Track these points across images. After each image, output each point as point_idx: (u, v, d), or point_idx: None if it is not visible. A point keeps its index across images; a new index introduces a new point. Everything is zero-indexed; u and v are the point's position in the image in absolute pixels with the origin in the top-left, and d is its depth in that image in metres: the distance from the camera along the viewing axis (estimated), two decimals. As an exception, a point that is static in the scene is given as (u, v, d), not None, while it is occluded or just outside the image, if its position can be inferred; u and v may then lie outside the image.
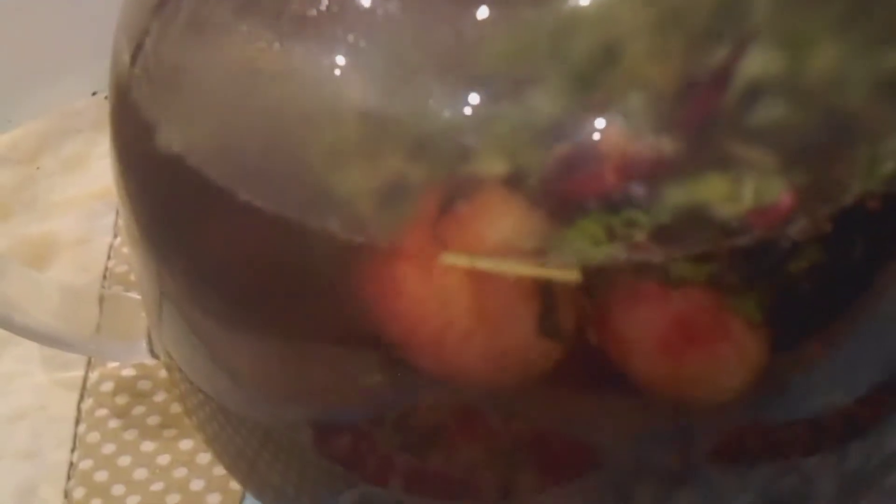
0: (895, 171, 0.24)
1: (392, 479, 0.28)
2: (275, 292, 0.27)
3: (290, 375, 0.28)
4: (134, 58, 0.28)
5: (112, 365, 0.39)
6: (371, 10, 0.25)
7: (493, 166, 0.24)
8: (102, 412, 0.38)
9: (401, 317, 0.25)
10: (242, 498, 0.35)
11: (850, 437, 0.27)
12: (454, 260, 0.24)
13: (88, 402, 0.38)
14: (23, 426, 0.38)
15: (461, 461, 0.27)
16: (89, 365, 0.39)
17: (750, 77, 0.24)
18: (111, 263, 0.43)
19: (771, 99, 0.24)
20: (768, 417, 0.26)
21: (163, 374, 0.38)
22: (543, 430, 0.26)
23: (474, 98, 0.24)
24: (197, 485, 0.36)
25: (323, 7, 0.25)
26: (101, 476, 0.36)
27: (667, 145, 0.23)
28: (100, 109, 0.47)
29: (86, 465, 0.36)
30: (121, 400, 0.38)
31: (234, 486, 0.36)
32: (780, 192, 0.24)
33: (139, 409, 0.38)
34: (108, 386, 0.39)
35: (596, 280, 0.24)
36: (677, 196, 0.23)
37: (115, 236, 0.44)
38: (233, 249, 0.27)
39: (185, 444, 0.37)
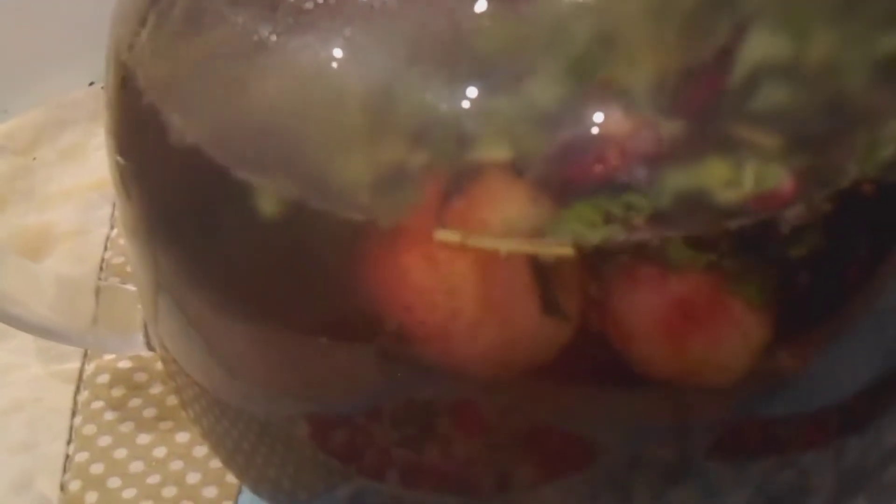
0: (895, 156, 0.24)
1: (389, 472, 0.28)
2: (274, 282, 0.26)
3: (287, 368, 0.28)
4: (131, 47, 0.28)
5: (108, 357, 0.39)
6: (369, 2, 0.25)
7: (495, 152, 0.24)
8: (98, 404, 0.38)
9: (405, 306, 0.24)
10: (239, 491, 0.35)
11: (848, 432, 0.27)
12: (452, 237, 0.24)
13: (84, 395, 0.38)
14: (19, 418, 0.38)
15: (460, 454, 0.27)
16: (85, 357, 0.39)
17: (751, 61, 0.24)
18: (108, 255, 0.43)
19: (771, 83, 0.24)
20: (766, 411, 0.26)
21: (159, 366, 0.38)
22: (544, 421, 0.26)
23: (474, 85, 0.24)
24: (193, 478, 0.36)
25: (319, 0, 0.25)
26: (98, 468, 0.36)
27: (667, 129, 0.24)
28: (97, 100, 0.46)
29: (82, 457, 0.36)
30: (117, 392, 0.38)
31: (231, 479, 0.36)
32: (781, 177, 0.24)
33: (135, 402, 0.38)
34: (104, 378, 0.38)
35: (595, 261, 0.24)
36: (677, 180, 0.23)
37: (112, 227, 0.43)
38: (232, 238, 0.27)
39: (182, 437, 0.37)
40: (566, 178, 0.24)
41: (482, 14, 0.24)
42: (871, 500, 0.29)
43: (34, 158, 0.46)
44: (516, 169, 0.24)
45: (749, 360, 0.25)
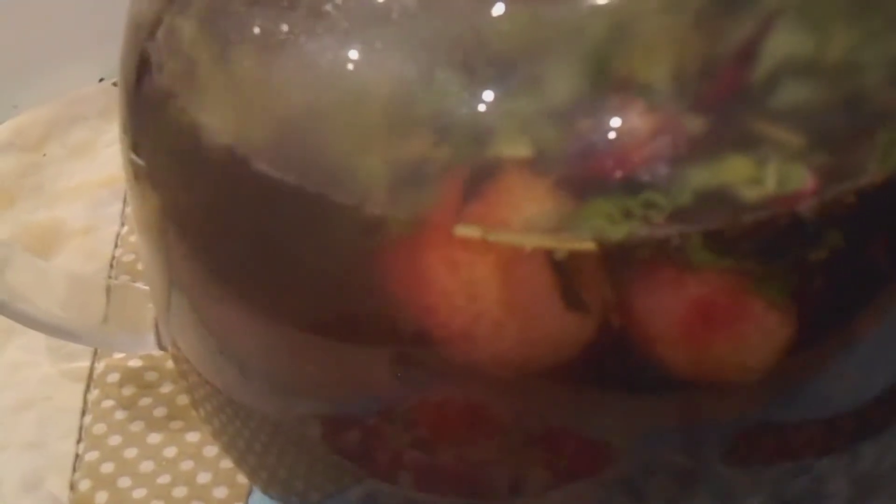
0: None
1: (402, 475, 0.28)
2: (291, 281, 0.26)
3: (301, 367, 0.28)
4: (151, 43, 0.28)
5: (118, 356, 0.39)
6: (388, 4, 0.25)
7: (515, 149, 0.24)
8: (109, 403, 0.38)
9: (425, 307, 0.24)
10: (249, 492, 0.35)
11: (863, 438, 0.27)
12: (473, 233, 0.24)
13: (94, 393, 0.38)
14: (28, 416, 0.38)
15: (474, 457, 0.27)
16: (96, 355, 0.39)
17: (773, 57, 0.24)
18: (118, 252, 0.42)
19: (793, 79, 0.24)
20: (783, 415, 0.26)
21: (170, 365, 0.38)
22: (560, 424, 0.26)
23: (494, 82, 0.24)
24: (204, 478, 0.36)
25: (339, 1, 0.25)
26: (108, 468, 0.36)
27: (688, 126, 0.23)
28: (107, 96, 0.47)
29: (92, 456, 0.36)
30: (127, 391, 0.38)
31: (242, 479, 0.35)
32: (802, 176, 0.23)
33: (146, 401, 0.38)
34: (114, 377, 0.38)
35: (616, 258, 0.24)
36: (698, 178, 0.23)
37: (123, 225, 0.43)
38: (250, 236, 0.27)
39: (192, 437, 0.37)
40: (586, 176, 0.23)
41: (501, 13, 0.24)
42: (886, 506, 0.29)
43: (44, 155, 0.46)
44: (536, 166, 0.24)
45: (769, 361, 0.25)
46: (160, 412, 0.37)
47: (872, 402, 0.27)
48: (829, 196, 0.23)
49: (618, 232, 0.23)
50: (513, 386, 0.25)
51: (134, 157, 0.29)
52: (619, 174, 0.23)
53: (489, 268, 0.24)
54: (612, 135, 0.23)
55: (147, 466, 0.36)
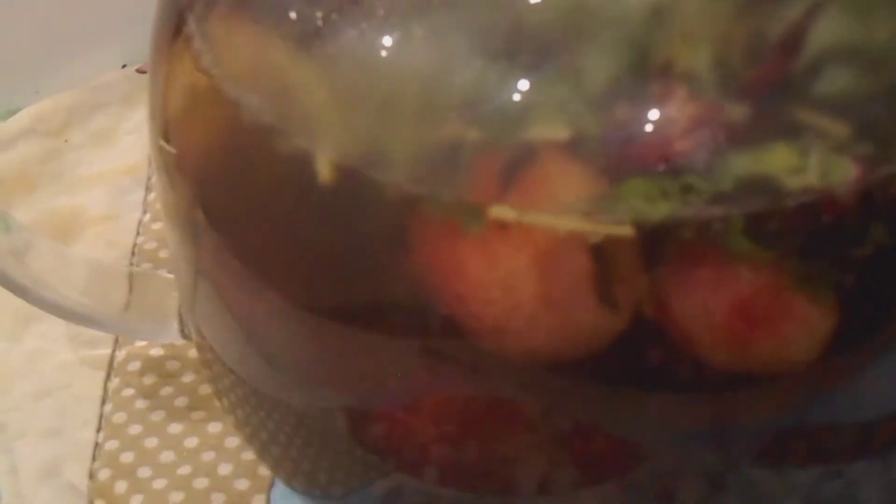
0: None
1: (428, 470, 0.28)
2: (320, 268, 0.26)
3: (328, 358, 0.28)
4: (183, 26, 0.27)
5: (140, 344, 0.39)
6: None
7: (553, 132, 0.23)
8: (129, 392, 0.37)
9: (458, 296, 0.24)
10: (271, 484, 0.35)
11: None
12: (508, 214, 0.23)
13: (115, 382, 0.38)
14: (47, 404, 0.38)
15: (502, 453, 0.27)
16: (116, 343, 0.39)
17: (818, 43, 0.23)
18: (140, 240, 0.42)
19: (839, 66, 0.24)
20: (818, 417, 0.26)
21: (192, 354, 0.38)
22: (591, 420, 0.26)
23: (532, 64, 0.24)
24: (225, 469, 0.35)
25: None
26: (128, 457, 0.36)
27: (730, 112, 0.23)
28: (130, 83, 0.47)
29: (111, 445, 0.36)
30: (148, 380, 0.38)
31: (264, 471, 0.35)
32: (847, 166, 0.23)
33: (167, 390, 0.37)
34: (135, 365, 0.38)
35: (653, 242, 0.23)
36: (740, 164, 0.23)
37: (145, 212, 0.43)
38: (280, 222, 0.26)
39: (214, 427, 0.36)
40: (624, 160, 0.23)
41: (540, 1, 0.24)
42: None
43: (65, 140, 0.46)
44: (574, 150, 0.23)
45: (808, 358, 0.24)
46: (181, 402, 0.37)
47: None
48: (873, 188, 0.23)
49: (656, 211, 0.23)
50: (543, 380, 0.25)
51: (163, 143, 0.29)
52: (658, 159, 0.23)
53: (524, 253, 0.24)
54: (651, 120, 0.23)
55: (167, 457, 0.36)
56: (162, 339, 0.37)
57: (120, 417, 0.37)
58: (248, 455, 0.35)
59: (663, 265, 0.23)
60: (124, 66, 0.48)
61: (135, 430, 0.36)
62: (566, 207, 0.23)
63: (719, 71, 0.23)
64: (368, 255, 0.25)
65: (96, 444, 0.36)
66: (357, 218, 0.25)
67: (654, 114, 0.23)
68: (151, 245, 0.42)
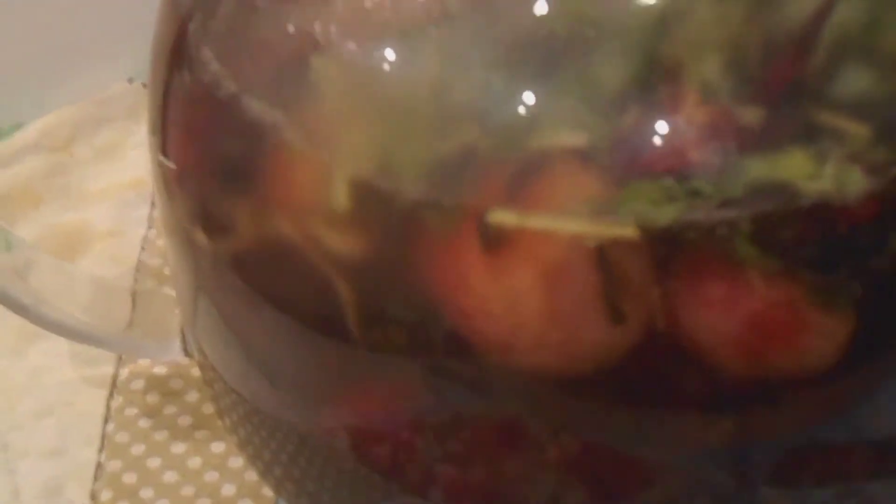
0: None
1: (433, 490, 0.28)
2: (321, 286, 0.26)
3: (330, 376, 0.27)
4: (182, 38, 0.27)
5: (143, 362, 0.38)
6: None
7: (557, 140, 0.23)
8: (132, 411, 0.37)
9: (463, 312, 0.24)
10: (275, 504, 0.35)
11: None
12: (508, 218, 0.23)
13: (118, 400, 0.38)
14: (49, 423, 0.37)
15: (509, 473, 0.27)
16: (119, 362, 0.39)
17: (835, 40, 0.23)
18: (144, 256, 0.42)
19: (855, 67, 0.23)
20: (835, 434, 0.26)
21: (195, 372, 0.37)
22: (599, 439, 0.26)
23: (539, 71, 0.24)
24: (228, 490, 0.35)
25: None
26: (130, 478, 0.36)
27: (742, 116, 0.23)
28: (136, 97, 0.47)
29: (114, 466, 0.36)
30: (151, 399, 0.38)
31: (267, 492, 0.35)
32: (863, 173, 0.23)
33: (170, 409, 0.37)
34: (138, 384, 0.38)
35: (660, 248, 0.23)
36: (751, 170, 0.23)
37: (149, 228, 0.43)
38: (281, 238, 0.26)
39: (217, 447, 0.36)
40: (632, 167, 0.23)
41: (546, 12, 0.24)
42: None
43: (70, 155, 0.46)
44: (581, 158, 0.23)
45: (823, 373, 0.24)
46: (185, 421, 0.37)
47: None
48: (892, 194, 0.23)
49: (661, 215, 0.23)
50: (551, 398, 0.25)
51: (163, 158, 0.29)
52: (666, 165, 0.23)
53: (530, 266, 0.23)
54: (660, 126, 0.23)
55: (170, 477, 0.35)
56: (165, 357, 0.37)
57: (123, 437, 0.37)
58: (252, 475, 0.35)
59: (672, 274, 0.23)
60: (130, 81, 0.48)
61: (137, 449, 0.36)
62: (572, 212, 0.23)
63: (730, 75, 0.23)
64: (372, 269, 0.25)
65: (98, 464, 0.36)
66: (362, 232, 0.25)
67: (662, 120, 0.23)
68: (156, 261, 0.42)
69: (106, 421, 0.37)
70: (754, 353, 0.24)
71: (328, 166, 0.24)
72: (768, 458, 0.26)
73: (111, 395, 0.38)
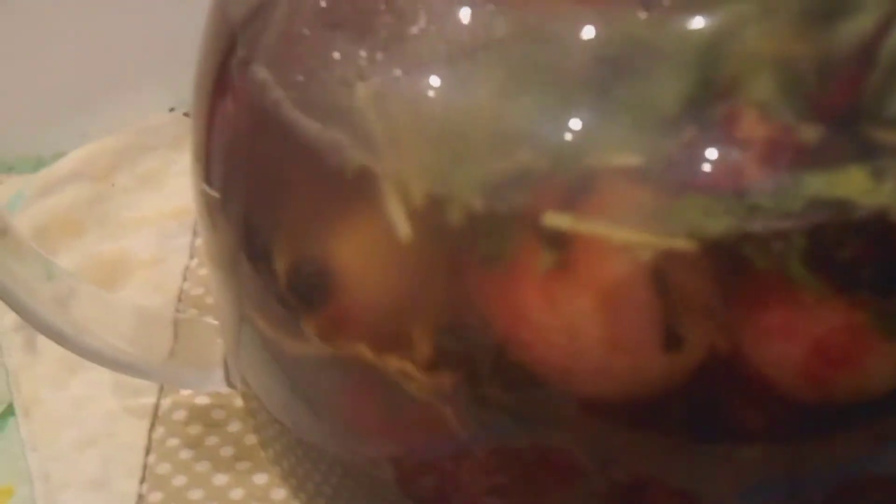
0: None
1: None
2: (371, 314, 0.26)
3: (375, 407, 0.27)
4: (225, 67, 0.27)
5: (185, 392, 0.38)
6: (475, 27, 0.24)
7: (617, 158, 0.23)
8: (174, 442, 0.37)
9: (522, 343, 0.24)
10: (318, 536, 0.34)
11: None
12: (561, 221, 0.23)
13: (160, 431, 0.38)
14: (91, 454, 0.37)
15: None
16: (161, 392, 0.39)
17: (893, 58, 0.23)
18: (186, 285, 0.42)
19: None
20: (890, 465, 0.25)
21: (238, 403, 0.37)
22: (650, 472, 0.25)
23: (589, 100, 0.23)
24: (271, 521, 0.35)
25: (423, 25, 0.25)
26: (171, 510, 0.35)
27: (798, 133, 0.23)
28: (177, 126, 0.47)
29: (155, 497, 0.36)
30: (193, 429, 0.37)
31: (310, 523, 0.34)
32: None
33: (212, 440, 0.37)
34: (180, 414, 0.38)
35: (717, 264, 0.23)
36: (809, 186, 0.22)
37: (192, 257, 0.43)
38: (329, 267, 0.26)
39: (260, 479, 0.36)
40: (689, 183, 0.23)
41: (592, 37, 0.24)
42: None
43: (112, 184, 0.46)
44: (638, 175, 0.23)
45: (885, 396, 0.24)
46: (227, 452, 0.37)
47: None
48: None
49: (715, 224, 0.22)
50: (604, 427, 0.24)
51: (206, 187, 0.29)
52: (723, 183, 0.23)
53: (588, 292, 0.23)
54: (717, 145, 0.23)
55: (212, 509, 0.35)
56: (207, 387, 0.37)
57: (164, 468, 0.36)
58: (295, 507, 0.35)
59: (731, 294, 0.23)
60: (172, 110, 0.48)
61: (179, 481, 0.36)
62: (626, 222, 0.23)
63: (787, 93, 0.23)
64: (422, 298, 0.25)
65: (140, 496, 0.36)
66: (412, 261, 0.24)
67: (721, 140, 0.23)
68: (198, 291, 0.42)
69: (147, 452, 0.37)
70: (816, 378, 0.23)
71: (385, 193, 0.24)
72: (824, 488, 0.25)
73: (153, 425, 0.38)
